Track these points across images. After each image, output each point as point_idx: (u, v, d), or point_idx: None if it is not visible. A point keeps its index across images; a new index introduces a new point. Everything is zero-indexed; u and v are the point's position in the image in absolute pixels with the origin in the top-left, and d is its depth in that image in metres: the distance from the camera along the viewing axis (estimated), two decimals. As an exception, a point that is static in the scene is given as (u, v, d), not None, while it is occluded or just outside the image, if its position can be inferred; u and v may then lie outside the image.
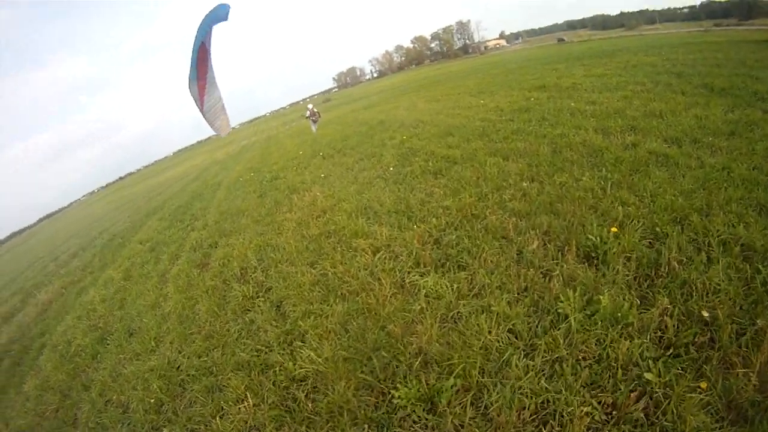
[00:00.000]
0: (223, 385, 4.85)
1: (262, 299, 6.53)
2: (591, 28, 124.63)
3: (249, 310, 6.42)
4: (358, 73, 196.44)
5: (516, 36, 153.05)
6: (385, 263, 6.07)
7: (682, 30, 68.97)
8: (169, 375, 5.60)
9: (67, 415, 5.99)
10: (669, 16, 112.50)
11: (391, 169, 10.84)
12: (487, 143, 10.63)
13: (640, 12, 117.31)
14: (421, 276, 5.48)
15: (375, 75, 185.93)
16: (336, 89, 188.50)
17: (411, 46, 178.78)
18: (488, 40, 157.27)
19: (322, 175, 13.02)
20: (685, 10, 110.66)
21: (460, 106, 18.74)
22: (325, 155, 17.18)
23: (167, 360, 5.96)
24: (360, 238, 7.07)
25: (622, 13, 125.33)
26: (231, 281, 7.59)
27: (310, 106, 32.35)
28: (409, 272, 5.68)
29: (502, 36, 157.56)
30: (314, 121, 30.97)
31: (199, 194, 20.78)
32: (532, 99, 15.61)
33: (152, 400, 5.23)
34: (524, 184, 7.36)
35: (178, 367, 5.72)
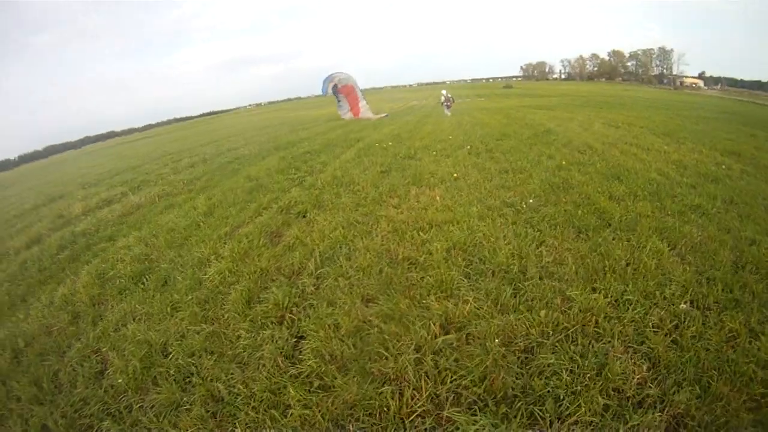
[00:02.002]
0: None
1: (286, 328, 5.44)
2: None
3: (266, 327, 5.47)
4: (547, 69, 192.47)
5: (716, 81, 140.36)
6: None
7: None
8: (153, 360, 5.23)
9: (61, 344, 6.03)
10: None
11: (531, 201, 9.02)
12: (656, 212, 8.28)
13: None
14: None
15: (563, 76, 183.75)
16: (520, 78, 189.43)
17: (607, 58, 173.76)
18: (686, 76, 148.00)
19: (455, 176, 11.53)
20: None
21: (639, 145, 15.90)
22: (472, 150, 15.62)
23: (164, 339, 5.57)
24: (435, 301, 5.48)
25: None
26: (278, 276, 6.76)
27: (444, 91, 36.90)
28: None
29: (701, 76, 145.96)
30: (448, 107, 35.26)
31: (332, 145, 20.31)
32: (723, 167, 12.43)
33: (121, 381, 4.94)
34: (682, 305, 5.16)
35: (167, 354, 5.29)
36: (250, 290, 6.32)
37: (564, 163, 12.38)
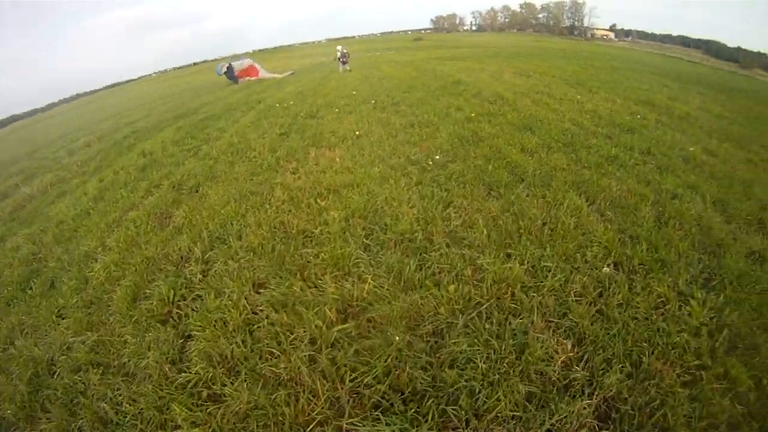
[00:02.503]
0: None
1: (172, 327, 4.58)
2: (704, 52, 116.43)
3: (151, 328, 4.61)
4: (458, 21, 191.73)
5: (626, 33, 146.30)
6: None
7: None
8: (41, 381, 4.35)
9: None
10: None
11: (438, 157, 8.23)
12: (572, 164, 7.77)
13: (759, 54, 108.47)
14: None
15: (474, 28, 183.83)
16: (431, 30, 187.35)
17: (518, 10, 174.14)
18: (597, 28, 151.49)
19: (357, 133, 10.64)
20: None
21: (551, 95, 15.41)
22: (377, 104, 14.65)
23: (50, 354, 4.65)
24: (331, 281, 4.68)
25: (739, 48, 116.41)
26: (166, 265, 5.84)
27: (339, 47, 36.04)
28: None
29: (612, 29, 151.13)
30: (343, 62, 33.75)
31: (232, 109, 18.83)
32: (638, 117, 12.25)
33: (9, 412, 4.08)
34: (605, 269, 4.64)
35: (54, 372, 4.43)
36: (136, 285, 5.42)
37: (473, 114, 11.66)
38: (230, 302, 4.57)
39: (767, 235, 5.79)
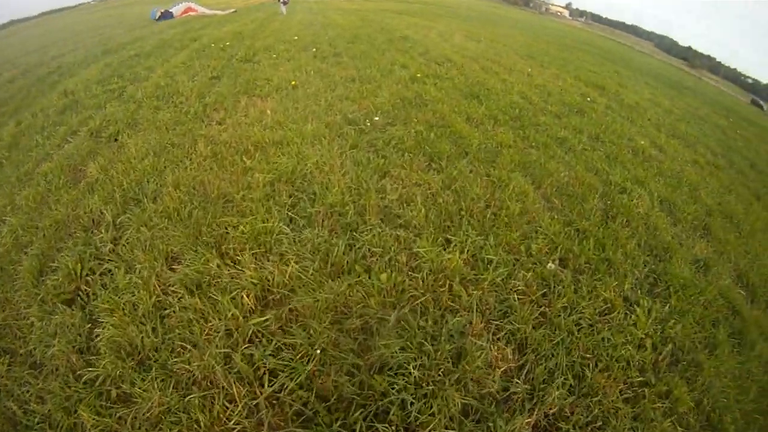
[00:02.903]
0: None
1: (79, 309, 3.95)
2: (655, 45, 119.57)
3: (57, 309, 3.95)
4: None
5: (581, 13, 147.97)
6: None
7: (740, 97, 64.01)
8: None
9: None
10: (732, 77, 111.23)
11: (377, 118, 7.57)
12: (519, 142, 7.35)
13: (708, 57, 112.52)
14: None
15: None
16: None
17: None
18: (552, 4, 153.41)
19: (293, 83, 9.79)
20: (749, 81, 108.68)
21: (501, 63, 14.85)
22: (318, 53, 13.69)
23: None
24: (251, 260, 4.08)
25: (689, 48, 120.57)
26: (76, 230, 5.09)
27: None
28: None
29: (567, 7, 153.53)
30: (284, 4, 31.58)
31: (165, 46, 17.25)
32: (588, 99, 11.89)
33: None
34: (549, 265, 4.23)
35: None
36: (43, 254, 4.71)
37: (419, 75, 10.95)
38: (141, 280, 3.95)
39: (711, 242, 5.76)
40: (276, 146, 6.34)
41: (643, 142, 8.96)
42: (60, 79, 14.25)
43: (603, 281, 4.11)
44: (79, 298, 4.04)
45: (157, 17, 32.42)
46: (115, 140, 7.52)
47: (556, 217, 5.05)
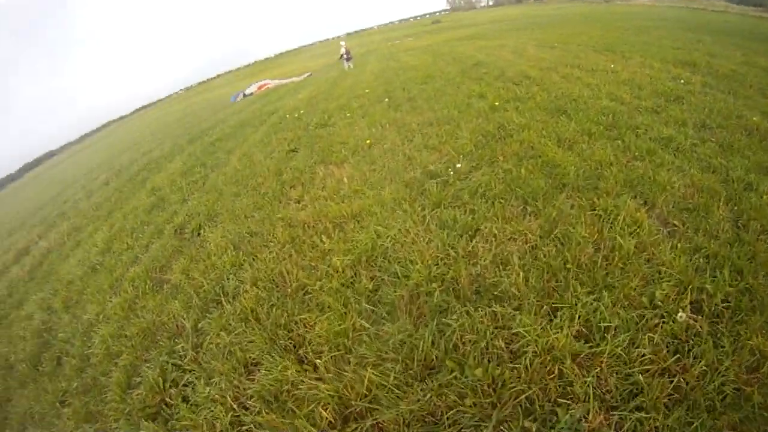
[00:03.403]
0: None
1: (162, 424, 3.98)
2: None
3: (142, 424, 3.98)
4: None
5: None
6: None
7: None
8: None
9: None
10: None
11: (459, 165, 7.05)
12: (620, 155, 6.53)
13: None
14: None
15: (490, 3, 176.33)
16: (448, 11, 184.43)
17: None
18: None
19: (368, 141, 9.65)
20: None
21: (581, 66, 13.96)
22: (391, 102, 13.57)
23: None
24: (325, 367, 3.75)
25: None
26: (162, 338, 5.18)
27: (342, 43, 34.36)
28: None
29: None
30: (348, 59, 32.28)
31: (245, 125, 18.12)
32: (681, 81, 10.62)
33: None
34: (680, 315, 3.41)
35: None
36: (131, 364, 4.88)
37: (497, 102, 10.41)
38: (219, 393, 3.83)
39: None
40: (354, 220, 6.15)
41: (755, 118, 7.64)
42: (149, 175, 15.21)
43: (746, 323, 3.30)
44: (163, 412, 4.05)
45: (237, 100, 34.29)
46: (198, 234, 7.75)
47: (678, 245, 4.22)
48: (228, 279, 5.71)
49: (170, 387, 4.29)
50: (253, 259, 5.98)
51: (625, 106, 8.91)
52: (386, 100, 14.00)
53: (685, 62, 13.12)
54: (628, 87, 10.49)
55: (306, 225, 6.44)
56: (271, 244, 6.27)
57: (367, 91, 16.83)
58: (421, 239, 5.16)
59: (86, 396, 4.80)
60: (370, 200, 6.51)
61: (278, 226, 6.66)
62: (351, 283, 4.78)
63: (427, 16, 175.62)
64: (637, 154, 6.50)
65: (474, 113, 10.01)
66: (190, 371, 4.37)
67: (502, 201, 5.70)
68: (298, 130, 13.17)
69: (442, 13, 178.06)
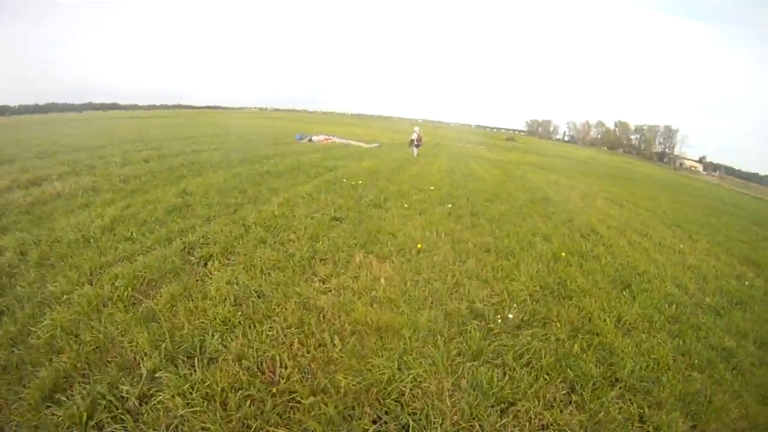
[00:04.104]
0: None
1: None
2: None
3: None
4: (552, 128, 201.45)
5: (714, 168, 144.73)
6: None
7: None
8: None
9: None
10: None
11: (510, 315, 6.08)
12: (679, 359, 5.71)
13: None
14: None
15: (566, 138, 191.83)
16: (524, 133, 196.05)
17: (612, 128, 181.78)
18: (686, 158, 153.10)
19: (420, 246, 8.64)
20: None
21: (649, 236, 13.19)
22: (453, 210, 12.63)
23: None
24: None
25: None
26: (110, 365, 4.44)
27: (416, 129, 33.48)
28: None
29: (701, 161, 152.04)
30: (417, 146, 32.26)
31: (299, 169, 17.65)
32: (746, 283, 9.89)
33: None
34: None
35: None
36: (66, 374, 4.23)
37: (563, 254, 9.48)
38: None
39: None
40: (378, 335, 5.23)
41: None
42: (188, 174, 14.84)
43: None
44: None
45: (300, 140, 34.73)
46: (205, 265, 6.97)
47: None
48: (213, 336, 4.89)
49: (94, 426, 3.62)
50: (249, 327, 5.14)
51: (688, 298, 8.15)
52: (449, 205, 13.19)
53: (749, 259, 12.53)
54: (693, 275, 9.77)
55: (321, 316, 5.57)
56: (276, 318, 5.41)
57: (431, 188, 16.06)
58: (447, 395, 4.25)
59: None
60: (402, 318, 5.59)
61: (292, 301, 5.82)
62: (349, 416, 3.89)
63: (503, 130, 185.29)
64: (696, 362, 5.67)
65: (536, 255, 9.15)
66: (121, 422, 3.65)
67: (547, 377, 4.80)
68: (350, 200, 12.43)
69: (518, 132, 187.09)
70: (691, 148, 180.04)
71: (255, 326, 5.16)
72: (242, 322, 5.25)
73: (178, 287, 5.99)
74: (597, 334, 5.99)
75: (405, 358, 4.74)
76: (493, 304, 6.45)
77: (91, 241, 7.77)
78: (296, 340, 4.92)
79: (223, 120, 73.59)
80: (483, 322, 5.80)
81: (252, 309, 5.54)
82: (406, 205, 12.41)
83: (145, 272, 6.40)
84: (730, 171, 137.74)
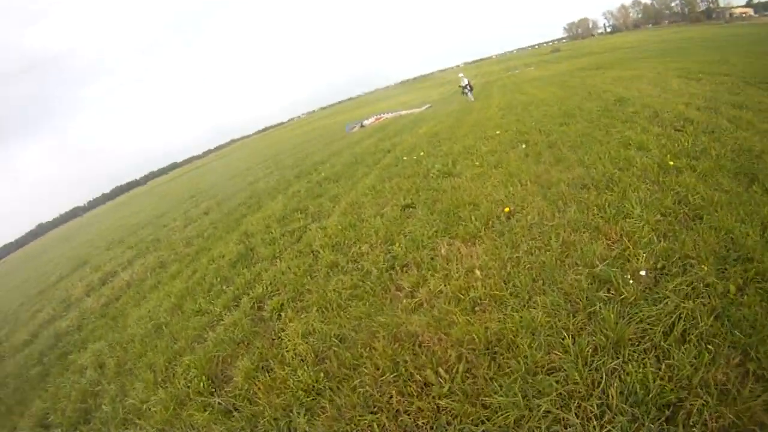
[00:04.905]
0: None
1: None
2: None
3: None
4: (590, 25, 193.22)
5: (765, 7, 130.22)
6: None
7: None
8: None
9: None
10: None
11: (642, 272, 4.74)
12: None
13: None
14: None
15: (608, 30, 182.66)
16: (566, 39, 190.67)
17: (649, 2, 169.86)
18: (734, 6, 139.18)
19: (507, 209, 7.44)
20: None
21: (743, 106, 10.97)
22: (529, 148, 11.35)
23: None
24: None
25: None
26: None
27: (461, 75, 33.24)
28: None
29: (749, 4, 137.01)
30: (470, 91, 31.51)
31: (357, 162, 16.88)
32: None
33: None
34: None
35: None
36: None
37: (669, 159, 7.83)
38: None
39: None
40: (490, 354, 4.17)
41: None
42: (247, 213, 14.42)
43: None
44: None
45: (351, 131, 34.54)
46: (279, 318, 6.28)
47: None
48: (298, 414, 4.12)
49: None
50: (338, 388, 4.31)
51: None
52: (522, 146, 11.80)
53: None
54: None
55: (418, 344, 4.61)
56: (365, 364, 4.52)
57: (497, 132, 14.63)
58: (595, 423, 3.18)
59: None
60: (514, 321, 4.46)
61: (379, 335, 4.90)
62: None
63: (545, 44, 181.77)
64: None
65: (638, 173, 7.65)
66: None
67: (710, 349, 3.54)
68: (417, 178, 11.38)
69: (561, 41, 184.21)
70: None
71: (342, 386, 4.34)
72: (327, 385, 4.44)
73: (253, 359, 5.33)
74: (749, 260, 4.59)
75: (530, 382, 3.68)
76: (615, 258, 5.17)
77: (163, 327, 7.44)
78: (394, 390, 4.02)
79: (274, 139, 74.10)
80: (612, 292, 4.58)
81: (336, 362, 4.71)
82: (477, 163, 11.14)
83: (217, 351, 5.82)
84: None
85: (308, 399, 4.32)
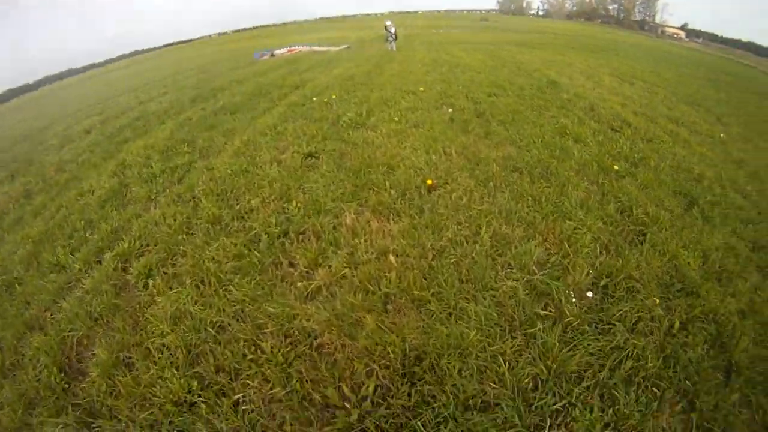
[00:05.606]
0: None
1: None
2: None
3: None
4: (524, 4, 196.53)
5: (697, 35, 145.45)
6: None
7: None
8: None
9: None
10: None
11: (590, 294, 4.28)
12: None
13: None
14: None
15: (540, 13, 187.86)
16: (496, 11, 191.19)
17: None
18: (668, 26, 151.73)
19: (429, 182, 6.54)
20: None
21: (679, 121, 12.16)
22: (455, 114, 10.63)
23: None
24: None
25: None
26: None
27: (389, 23, 31.57)
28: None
29: (683, 28, 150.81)
30: (393, 40, 30.49)
31: (260, 94, 15.44)
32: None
33: None
34: None
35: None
36: None
37: (611, 163, 7.73)
38: None
39: None
40: (408, 379, 3.46)
41: None
42: (132, 136, 12.86)
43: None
44: None
45: (260, 58, 33.13)
46: (145, 287, 5.15)
47: None
48: (169, 421, 3.38)
49: None
50: (216, 403, 3.48)
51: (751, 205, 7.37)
52: (449, 110, 11.06)
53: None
54: (746, 173, 9.05)
55: (315, 346, 3.82)
56: (250, 371, 3.69)
57: (421, 89, 13.70)
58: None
59: None
60: (438, 333, 3.74)
61: (267, 330, 4.04)
62: None
63: (475, 12, 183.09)
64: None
65: (576, 167, 7.38)
66: None
67: (656, 392, 3.32)
68: (325, 123, 10.28)
69: (491, 12, 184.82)
70: (671, 15, 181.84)
71: (221, 402, 3.49)
72: (202, 397, 3.56)
73: (112, 348, 4.26)
74: (691, 293, 4.49)
75: (460, 421, 3.07)
76: (554, 265, 4.65)
77: (16, 286, 5.97)
78: (287, 414, 3.25)
79: (177, 57, 69.66)
80: (552, 309, 4.02)
81: (213, 364, 3.81)
82: (396, 119, 10.26)
83: (70, 330, 4.68)
84: (713, 38, 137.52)
85: (179, 416, 3.46)
